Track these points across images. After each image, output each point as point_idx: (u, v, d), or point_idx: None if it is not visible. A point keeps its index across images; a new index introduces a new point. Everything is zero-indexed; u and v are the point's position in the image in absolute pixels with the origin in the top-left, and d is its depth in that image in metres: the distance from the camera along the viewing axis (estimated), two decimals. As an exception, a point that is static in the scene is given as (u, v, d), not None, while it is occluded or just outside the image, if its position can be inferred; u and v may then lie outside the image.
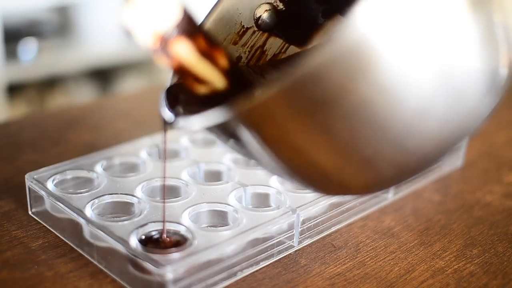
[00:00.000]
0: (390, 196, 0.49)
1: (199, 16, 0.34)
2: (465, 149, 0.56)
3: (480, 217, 0.48)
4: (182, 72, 0.33)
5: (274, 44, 0.41)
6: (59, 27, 1.65)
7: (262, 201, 0.45)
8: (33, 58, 1.55)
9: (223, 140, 0.35)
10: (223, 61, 0.34)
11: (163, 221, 0.39)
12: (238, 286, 0.38)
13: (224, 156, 0.51)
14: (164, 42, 0.31)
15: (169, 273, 0.35)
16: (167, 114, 0.33)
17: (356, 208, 0.46)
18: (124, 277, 0.38)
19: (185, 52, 0.32)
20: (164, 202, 0.40)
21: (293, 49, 0.41)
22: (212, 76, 0.34)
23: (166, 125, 0.34)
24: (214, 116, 0.29)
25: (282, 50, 0.41)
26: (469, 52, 0.28)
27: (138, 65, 1.76)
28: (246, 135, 0.30)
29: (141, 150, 0.51)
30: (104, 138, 0.61)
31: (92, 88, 1.71)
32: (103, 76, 1.73)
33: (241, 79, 0.37)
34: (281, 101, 0.27)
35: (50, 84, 1.63)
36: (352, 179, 0.32)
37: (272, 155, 0.31)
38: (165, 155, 0.43)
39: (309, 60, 0.26)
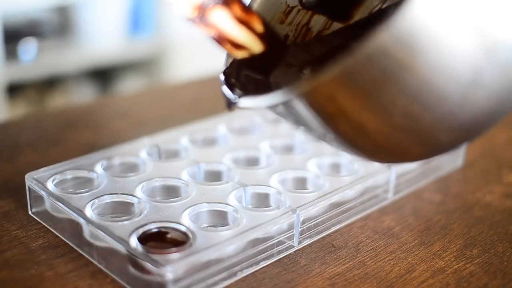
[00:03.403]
0: (390, 196, 0.49)
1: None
2: (465, 149, 0.56)
3: (480, 217, 0.48)
4: (220, 39, 0.35)
5: (318, 21, 0.43)
6: (59, 27, 1.65)
7: (262, 201, 0.45)
8: (33, 58, 1.55)
9: (286, 119, 0.37)
10: (258, 26, 0.37)
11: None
12: (238, 286, 0.38)
13: (224, 156, 0.51)
14: (202, 12, 0.34)
15: (169, 273, 0.35)
16: (230, 95, 0.36)
17: (356, 208, 0.46)
18: (124, 277, 0.38)
19: (223, 19, 0.35)
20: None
21: (336, 25, 0.43)
22: (249, 41, 0.36)
23: (230, 106, 0.36)
24: (277, 96, 0.31)
25: (326, 27, 0.43)
26: None
27: (138, 65, 1.76)
28: (307, 114, 0.32)
29: (141, 150, 0.51)
30: (104, 138, 0.61)
31: (92, 88, 1.71)
32: (103, 76, 1.73)
33: (277, 41, 0.39)
34: (341, 80, 0.29)
35: (50, 84, 1.63)
36: (410, 149, 0.34)
37: (333, 132, 0.33)
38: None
39: (369, 41, 0.28)
